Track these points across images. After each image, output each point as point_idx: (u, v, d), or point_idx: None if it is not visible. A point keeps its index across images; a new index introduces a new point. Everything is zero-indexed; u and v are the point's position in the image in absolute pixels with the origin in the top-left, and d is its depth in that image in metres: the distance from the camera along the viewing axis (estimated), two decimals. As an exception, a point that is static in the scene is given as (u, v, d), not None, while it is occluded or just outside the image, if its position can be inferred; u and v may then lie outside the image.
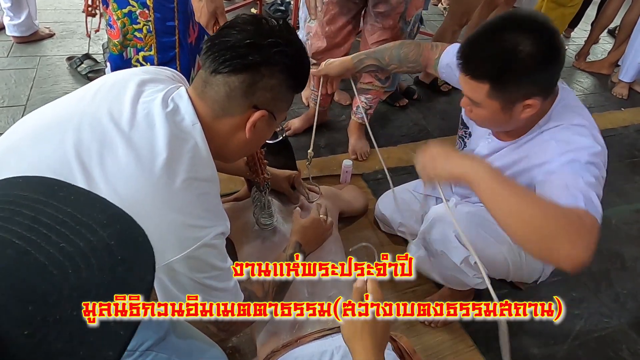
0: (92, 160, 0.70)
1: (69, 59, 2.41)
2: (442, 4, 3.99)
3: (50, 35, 2.72)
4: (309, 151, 1.52)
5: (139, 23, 1.29)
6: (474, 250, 1.08)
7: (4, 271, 0.29)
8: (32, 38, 2.61)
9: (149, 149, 0.72)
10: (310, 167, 1.57)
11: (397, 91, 2.51)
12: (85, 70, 2.32)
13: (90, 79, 2.28)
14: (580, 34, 3.82)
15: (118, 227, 0.36)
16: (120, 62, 1.34)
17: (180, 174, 0.73)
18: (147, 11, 1.27)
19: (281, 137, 1.44)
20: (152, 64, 1.35)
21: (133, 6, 1.28)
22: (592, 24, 3.33)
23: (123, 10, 1.27)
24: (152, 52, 1.33)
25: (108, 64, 1.41)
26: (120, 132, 0.72)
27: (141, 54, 1.33)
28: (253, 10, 3.40)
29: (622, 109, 2.83)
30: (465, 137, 1.32)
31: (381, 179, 1.94)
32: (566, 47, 3.62)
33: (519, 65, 0.90)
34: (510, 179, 0.88)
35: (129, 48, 1.32)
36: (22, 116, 1.81)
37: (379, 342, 0.73)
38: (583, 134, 0.96)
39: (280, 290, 1.05)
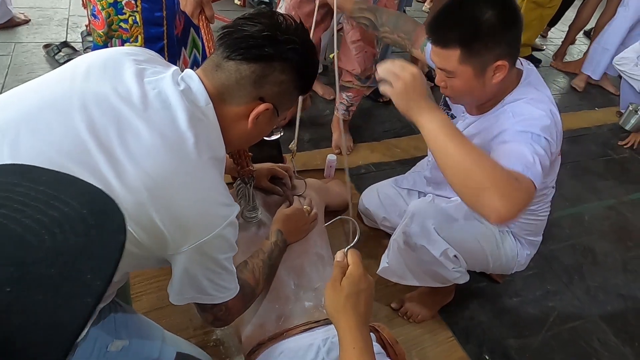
0: (111, 141, 0.68)
1: (46, 46, 2.35)
2: (426, 4, 4.01)
3: (26, 21, 2.63)
4: (290, 145, 1.53)
5: (125, 13, 1.26)
6: (454, 244, 1.13)
7: None
8: (6, 24, 2.52)
9: (172, 129, 0.72)
10: (294, 161, 1.58)
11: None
12: (63, 58, 2.26)
13: (69, 68, 2.23)
14: (558, 34, 3.92)
15: (89, 197, 0.38)
16: (105, 53, 1.32)
17: (206, 153, 0.74)
18: (133, 1, 1.25)
19: (278, 136, 1.44)
20: (137, 55, 1.33)
21: (119, -4, 1.25)
22: (569, 26, 3.42)
23: (108, 0, 1.25)
24: (138, 43, 1.31)
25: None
26: (135, 112, 0.71)
27: (127, 45, 1.31)
28: (237, 2, 3.36)
29: (596, 108, 2.93)
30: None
31: (364, 173, 1.97)
32: (544, 47, 3.71)
33: (485, 28, 0.95)
34: (458, 132, 0.88)
35: (114, 39, 1.30)
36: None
37: (362, 316, 0.74)
38: (538, 107, 1.01)
39: (268, 277, 1.06)
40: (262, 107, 0.81)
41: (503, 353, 1.37)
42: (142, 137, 0.70)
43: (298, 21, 0.85)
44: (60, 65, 2.20)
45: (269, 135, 1.44)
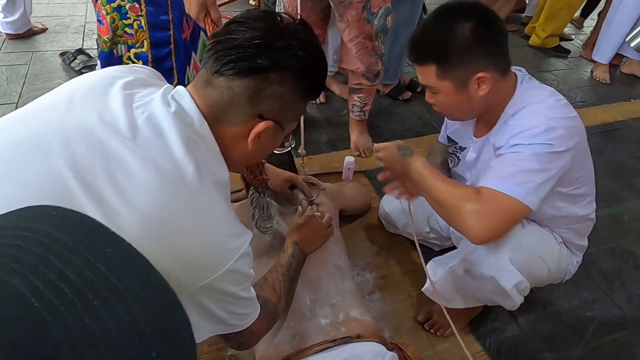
0: (98, 180, 0.59)
1: (62, 54, 2.35)
2: None
3: (43, 30, 2.65)
4: (300, 150, 1.47)
5: (129, 18, 1.22)
6: (525, 273, 1.05)
7: (14, 346, 0.23)
8: (25, 34, 2.55)
9: (167, 158, 0.63)
10: (304, 165, 1.51)
11: (400, 84, 2.44)
12: (78, 65, 2.25)
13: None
14: (589, 22, 3.73)
15: (157, 309, 0.30)
16: (111, 60, 1.28)
17: (208, 179, 0.66)
18: (137, 5, 1.20)
19: (289, 148, 1.36)
20: (145, 61, 1.29)
21: (122, 0, 1.21)
22: (599, 14, 3.24)
23: (112, 4, 1.20)
24: (144, 49, 1.27)
25: (98, 61, 1.35)
26: (123, 143, 0.62)
27: (133, 50, 1.27)
28: (252, 2, 3.32)
29: (632, 100, 2.75)
30: (457, 152, 1.28)
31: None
32: (572, 37, 3.54)
33: (458, 41, 0.95)
34: (435, 170, 1.04)
35: (119, 45, 1.26)
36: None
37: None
38: (539, 113, 0.96)
39: (289, 291, 1.01)
40: (261, 125, 0.72)
41: (538, 368, 1.27)
42: (133, 171, 0.61)
43: (297, 18, 0.75)
44: (76, 72, 2.23)
45: (279, 147, 1.37)
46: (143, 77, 0.76)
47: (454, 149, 1.29)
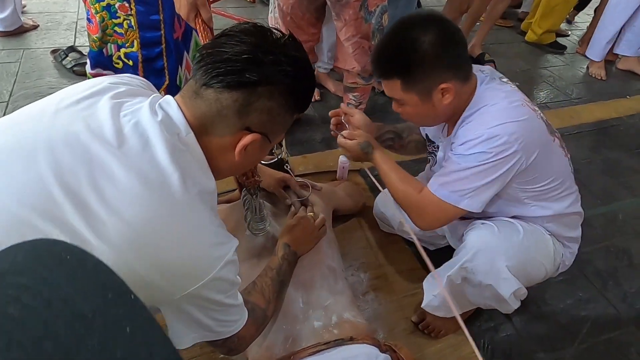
0: (82, 187, 0.59)
1: (54, 51, 2.32)
2: None
3: (35, 27, 2.62)
4: (282, 155, 1.44)
5: (119, 17, 1.20)
6: (523, 278, 1.07)
7: None
8: (16, 32, 2.51)
9: (152, 166, 0.64)
10: (289, 166, 1.51)
11: None
12: (70, 63, 2.22)
13: (76, 73, 2.20)
14: (584, 18, 3.72)
15: None
16: (101, 59, 1.26)
17: (193, 188, 0.66)
18: (127, 4, 1.18)
19: (276, 159, 1.36)
20: (135, 61, 1.27)
21: (112, -2, 1.19)
22: (595, 9, 3.23)
23: (101, 3, 1.18)
24: (134, 49, 1.24)
25: (88, 60, 1.33)
26: (109, 150, 0.63)
27: (122, 50, 1.24)
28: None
29: (628, 96, 2.75)
30: (435, 151, 1.29)
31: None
32: (569, 33, 3.53)
33: (419, 54, 0.97)
34: (391, 163, 1.15)
35: (109, 44, 1.24)
36: (5, 114, 1.74)
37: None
38: (486, 121, 1.00)
39: (279, 295, 1.00)
40: (248, 138, 0.73)
41: (532, 368, 1.27)
42: (117, 179, 0.61)
43: (287, 33, 0.76)
44: (67, 70, 2.21)
45: (267, 158, 1.36)
46: (134, 87, 0.77)
47: (432, 148, 1.31)
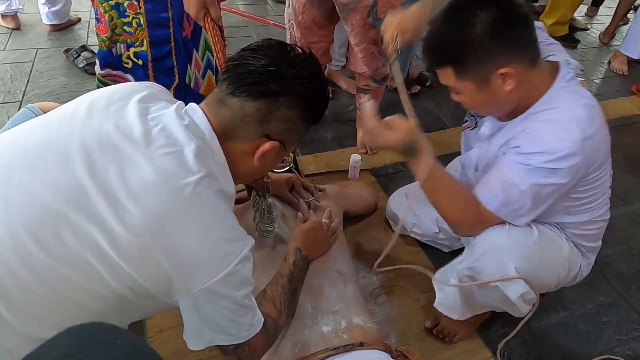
0: (112, 181, 0.65)
1: (66, 51, 2.34)
2: None
3: (78, 20, 2.70)
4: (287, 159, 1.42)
5: (128, 16, 1.19)
6: (532, 281, 1.02)
7: None
8: (65, 25, 2.61)
9: (177, 164, 0.69)
10: (300, 161, 1.48)
11: (408, 77, 2.38)
12: (82, 62, 2.23)
13: (88, 72, 2.21)
14: (606, 12, 3.61)
15: None
16: (110, 59, 1.25)
17: (213, 187, 0.72)
18: (135, 3, 1.17)
19: (288, 167, 1.36)
20: (144, 60, 1.25)
21: (120, -3, 1.17)
22: (619, 1, 3.12)
23: (109, 2, 1.17)
24: (144, 48, 1.23)
25: (97, 61, 1.32)
26: (138, 149, 0.68)
27: (132, 49, 1.23)
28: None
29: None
30: (477, 117, 1.21)
31: (393, 174, 1.84)
32: (588, 27, 3.43)
33: (471, 40, 0.90)
34: (444, 175, 1.03)
35: (118, 44, 1.22)
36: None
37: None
38: (560, 132, 0.91)
39: (291, 304, 0.99)
40: (268, 145, 0.79)
41: (550, 375, 1.23)
42: (144, 174, 0.66)
43: (307, 50, 0.83)
44: (80, 69, 2.22)
45: (281, 164, 1.35)
46: (156, 92, 0.83)
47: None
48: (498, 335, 1.30)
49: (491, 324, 1.31)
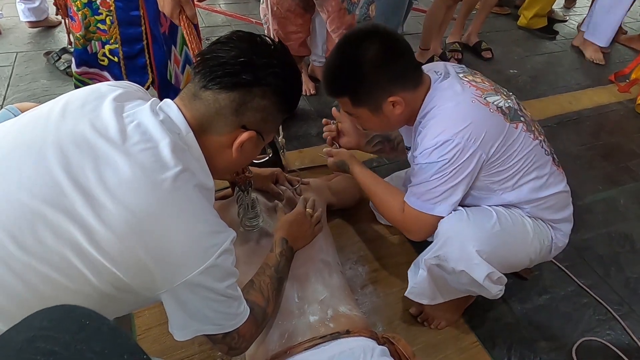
0: (88, 179, 0.65)
1: (47, 53, 2.31)
2: None
3: (59, 23, 2.65)
4: (280, 139, 1.46)
5: (101, 14, 1.18)
6: (497, 263, 1.05)
7: None
8: (43, 23, 2.59)
9: (154, 160, 0.69)
10: (285, 157, 1.50)
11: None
12: (63, 65, 2.21)
13: (69, 75, 2.18)
14: (584, 3, 3.67)
15: None
16: (86, 57, 1.24)
17: (191, 182, 0.72)
18: (108, 0, 1.16)
19: (267, 157, 1.39)
20: (119, 57, 1.25)
21: (93, -5, 1.17)
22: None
23: (82, 0, 1.16)
24: (117, 45, 1.22)
25: (73, 59, 1.31)
26: (113, 146, 0.68)
27: (107, 47, 1.23)
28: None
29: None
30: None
31: (377, 167, 1.86)
32: (567, 18, 3.49)
33: (362, 74, 1.01)
34: (369, 175, 1.25)
35: (93, 41, 1.22)
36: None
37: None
38: (438, 127, 1.02)
39: (277, 293, 1.00)
40: (245, 135, 0.80)
41: (533, 357, 1.25)
42: (121, 171, 0.66)
43: (277, 40, 0.84)
44: (61, 72, 2.19)
45: (259, 157, 1.38)
46: (131, 90, 0.83)
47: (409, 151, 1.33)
48: (483, 320, 1.32)
49: (476, 309, 1.33)
